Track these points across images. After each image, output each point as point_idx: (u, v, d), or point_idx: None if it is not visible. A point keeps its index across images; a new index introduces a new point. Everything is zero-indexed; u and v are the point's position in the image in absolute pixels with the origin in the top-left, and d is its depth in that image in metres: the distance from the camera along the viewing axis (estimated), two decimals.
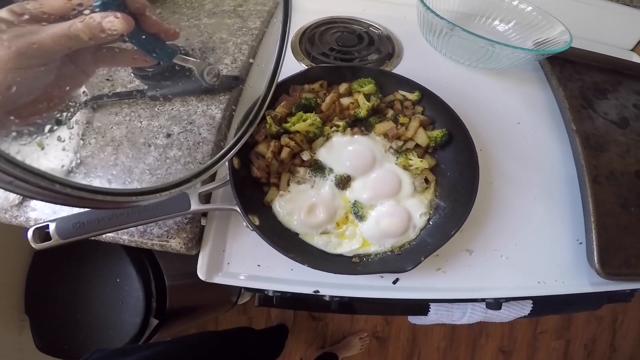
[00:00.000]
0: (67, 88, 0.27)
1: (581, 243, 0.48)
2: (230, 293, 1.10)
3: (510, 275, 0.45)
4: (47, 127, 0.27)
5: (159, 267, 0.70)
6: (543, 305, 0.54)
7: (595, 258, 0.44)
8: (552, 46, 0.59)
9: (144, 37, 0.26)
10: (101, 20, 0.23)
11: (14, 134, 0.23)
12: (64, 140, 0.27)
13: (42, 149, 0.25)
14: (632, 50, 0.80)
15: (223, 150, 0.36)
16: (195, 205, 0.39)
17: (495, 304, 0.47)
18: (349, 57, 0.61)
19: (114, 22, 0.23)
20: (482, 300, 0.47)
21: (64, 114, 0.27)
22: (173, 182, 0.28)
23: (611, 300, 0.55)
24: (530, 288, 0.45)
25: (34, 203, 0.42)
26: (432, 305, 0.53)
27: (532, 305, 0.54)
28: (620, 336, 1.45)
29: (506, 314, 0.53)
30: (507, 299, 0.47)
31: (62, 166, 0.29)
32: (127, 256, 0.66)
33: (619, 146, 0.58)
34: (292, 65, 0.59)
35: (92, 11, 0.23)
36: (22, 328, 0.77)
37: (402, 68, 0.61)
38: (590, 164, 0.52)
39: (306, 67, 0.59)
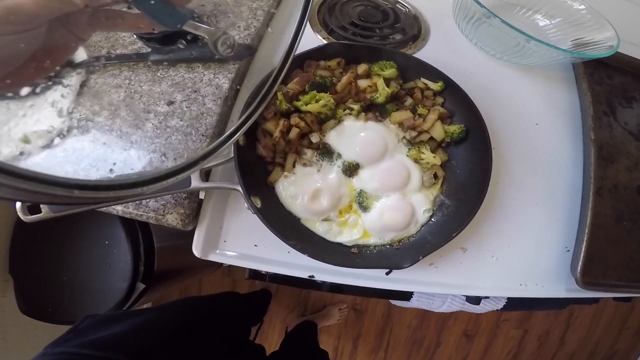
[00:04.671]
0: (58, 54, 0.23)
1: (569, 251, 0.49)
2: None
3: (497, 276, 0.47)
4: (29, 93, 0.23)
5: (148, 228, 0.66)
6: (515, 302, 0.57)
7: (579, 267, 0.46)
8: (593, 49, 0.54)
9: (150, 1, 0.22)
10: None
11: None
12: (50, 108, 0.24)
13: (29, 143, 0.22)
14: None
15: (232, 129, 0.33)
16: (196, 182, 0.38)
17: (475, 298, 0.50)
18: (370, 34, 0.55)
19: None
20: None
21: (53, 79, 0.24)
22: (179, 167, 0.26)
23: (577, 302, 0.59)
24: (512, 290, 0.47)
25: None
26: (415, 293, 0.56)
27: (505, 302, 0.57)
28: (571, 331, 1.53)
29: (481, 307, 0.57)
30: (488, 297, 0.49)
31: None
32: (117, 217, 0.62)
33: (630, 159, 0.57)
34: (307, 36, 0.53)
35: None
36: (6, 289, 0.72)
37: (426, 52, 0.56)
38: (597, 176, 0.52)
39: (323, 39, 0.54)
